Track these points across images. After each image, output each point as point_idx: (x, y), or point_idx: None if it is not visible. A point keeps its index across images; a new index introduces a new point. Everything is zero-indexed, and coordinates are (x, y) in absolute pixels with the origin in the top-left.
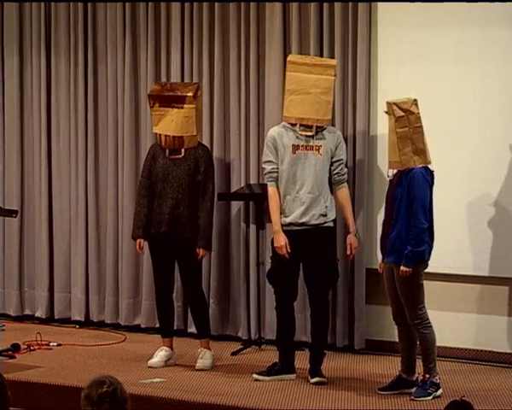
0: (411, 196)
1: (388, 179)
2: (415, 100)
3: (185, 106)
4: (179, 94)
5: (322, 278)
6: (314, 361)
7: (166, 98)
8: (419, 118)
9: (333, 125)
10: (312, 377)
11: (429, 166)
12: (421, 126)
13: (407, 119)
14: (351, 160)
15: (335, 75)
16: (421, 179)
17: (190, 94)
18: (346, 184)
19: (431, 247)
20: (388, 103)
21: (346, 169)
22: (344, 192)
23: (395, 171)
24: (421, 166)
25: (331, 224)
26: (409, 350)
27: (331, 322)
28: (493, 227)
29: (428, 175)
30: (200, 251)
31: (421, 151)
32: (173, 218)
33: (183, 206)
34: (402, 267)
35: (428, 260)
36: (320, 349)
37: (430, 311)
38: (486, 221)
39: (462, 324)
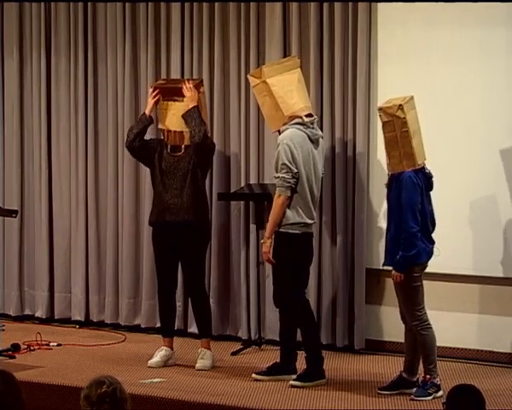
0: (401, 200)
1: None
2: (400, 105)
3: (185, 99)
4: (180, 86)
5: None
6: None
7: (168, 91)
8: (405, 122)
9: (333, 125)
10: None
11: (425, 166)
12: (407, 131)
13: (393, 124)
14: (351, 159)
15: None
16: (410, 183)
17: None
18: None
19: (429, 248)
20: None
21: None
22: None
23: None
24: (410, 169)
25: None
26: (413, 351)
27: (331, 322)
28: (495, 227)
29: (419, 178)
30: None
31: (410, 155)
32: (176, 206)
33: (186, 194)
34: (393, 272)
35: (426, 261)
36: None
37: (431, 311)
38: (488, 221)
39: (462, 324)
